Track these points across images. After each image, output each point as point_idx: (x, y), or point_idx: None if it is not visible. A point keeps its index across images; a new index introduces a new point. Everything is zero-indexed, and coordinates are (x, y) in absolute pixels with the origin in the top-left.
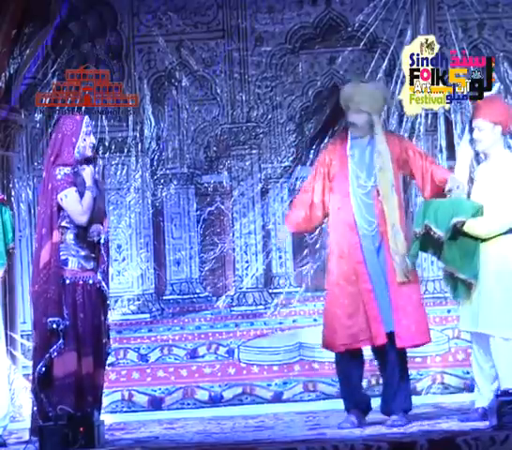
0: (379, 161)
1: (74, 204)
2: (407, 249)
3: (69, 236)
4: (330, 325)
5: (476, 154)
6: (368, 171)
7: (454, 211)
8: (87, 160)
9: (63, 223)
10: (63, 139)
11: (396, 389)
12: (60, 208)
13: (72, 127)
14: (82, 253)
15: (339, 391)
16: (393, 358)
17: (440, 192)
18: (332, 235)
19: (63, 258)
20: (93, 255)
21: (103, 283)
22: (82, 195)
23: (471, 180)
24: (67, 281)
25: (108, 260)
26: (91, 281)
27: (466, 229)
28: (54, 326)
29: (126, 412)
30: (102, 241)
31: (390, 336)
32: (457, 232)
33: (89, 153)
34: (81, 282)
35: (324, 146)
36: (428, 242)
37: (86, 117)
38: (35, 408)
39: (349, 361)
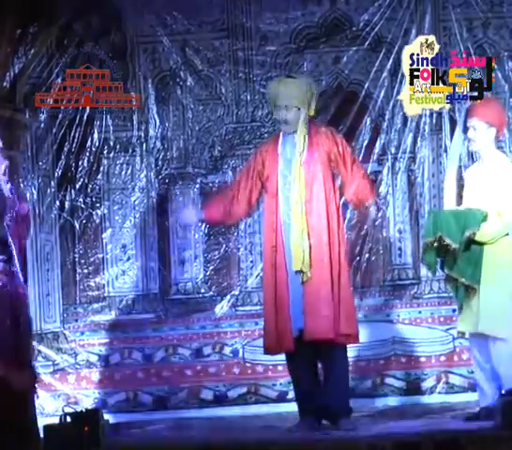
0: (295, 154)
1: None
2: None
3: None
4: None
5: (471, 154)
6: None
7: (465, 222)
8: None
9: None
10: None
11: (338, 390)
12: None
13: None
14: None
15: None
16: (331, 357)
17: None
18: (264, 236)
19: None
20: (1, 257)
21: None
22: None
23: (461, 179)
24: None
25: (20, 257)
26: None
27: (476, 237)
28: None
29: (130, 411)
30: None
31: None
32: (468, 242)
33: None
34: None
35: (258, 146)
36: (438, 252)
37: None
38: None
39: (296, 362)
